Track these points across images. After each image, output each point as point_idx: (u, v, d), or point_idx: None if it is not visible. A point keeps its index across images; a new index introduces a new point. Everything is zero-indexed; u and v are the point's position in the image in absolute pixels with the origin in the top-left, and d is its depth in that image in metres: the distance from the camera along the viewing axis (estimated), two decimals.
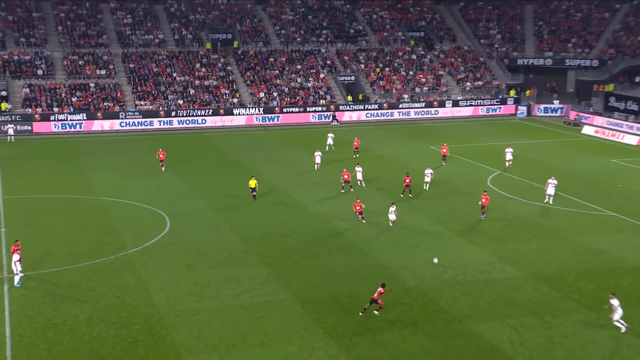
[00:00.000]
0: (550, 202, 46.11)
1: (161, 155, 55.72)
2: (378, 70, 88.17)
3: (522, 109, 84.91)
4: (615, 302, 28.08)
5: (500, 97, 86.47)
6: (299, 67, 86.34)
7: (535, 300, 31.33)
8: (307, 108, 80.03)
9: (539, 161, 59.51)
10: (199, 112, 76.64)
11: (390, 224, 41.18)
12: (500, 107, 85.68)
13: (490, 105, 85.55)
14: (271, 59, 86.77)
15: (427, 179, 49.58)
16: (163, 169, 55.19)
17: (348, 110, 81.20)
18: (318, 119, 79.81)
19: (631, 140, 69.44)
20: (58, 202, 46.34)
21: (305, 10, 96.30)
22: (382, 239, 39.10)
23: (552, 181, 46.42)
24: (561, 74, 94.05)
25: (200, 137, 70.77)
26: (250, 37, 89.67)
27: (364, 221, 41.59)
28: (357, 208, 41.82)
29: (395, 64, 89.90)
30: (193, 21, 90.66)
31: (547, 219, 42.99)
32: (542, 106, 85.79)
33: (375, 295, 29.34)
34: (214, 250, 37.12)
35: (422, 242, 38.47)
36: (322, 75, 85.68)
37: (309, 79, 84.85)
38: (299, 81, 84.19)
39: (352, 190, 48.65)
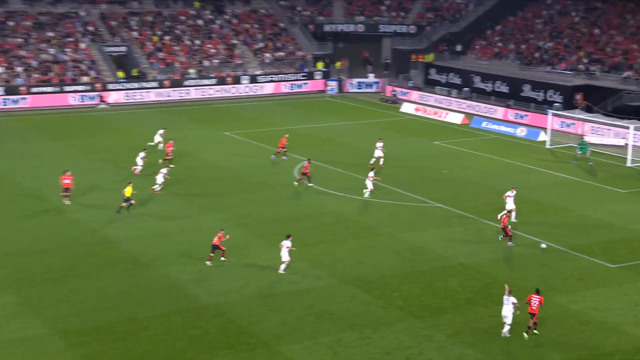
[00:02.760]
0: (513, 217, 43.14)
1: None
2: (156, 39, 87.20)
3: (332, 85, 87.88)
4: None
5: (306, 70, 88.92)
6: (50, 34, 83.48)
7: (353, 310, 32.49)
8: (65, 87, 77.71)
9: (354, 146, 61.66)
10: None
11: (282, 269, 36.06)
12: (306, 83, 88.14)
13: (295, 80, 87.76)
14: (11, 23, 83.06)
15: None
16: None
17: (119, 89, 79.85)
18: (80, 101, 77.61)
19: (456, 118, 73.69)
20: None
21: None
22: (166, 247, 38.67)
23: (511, 193, 43.60)
24: (375, 42, 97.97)
25: None
26: None
27: (221, 259, 37.12)
28: (217, 241, 36.96)
29: (177, 31, 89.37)
30: None
31: (365, 215, 44.69)
32: (355, 81, 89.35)
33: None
34: None
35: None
36: (82, 45, 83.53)
37: (66, 49, 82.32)
38: (51, 52, 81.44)
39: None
